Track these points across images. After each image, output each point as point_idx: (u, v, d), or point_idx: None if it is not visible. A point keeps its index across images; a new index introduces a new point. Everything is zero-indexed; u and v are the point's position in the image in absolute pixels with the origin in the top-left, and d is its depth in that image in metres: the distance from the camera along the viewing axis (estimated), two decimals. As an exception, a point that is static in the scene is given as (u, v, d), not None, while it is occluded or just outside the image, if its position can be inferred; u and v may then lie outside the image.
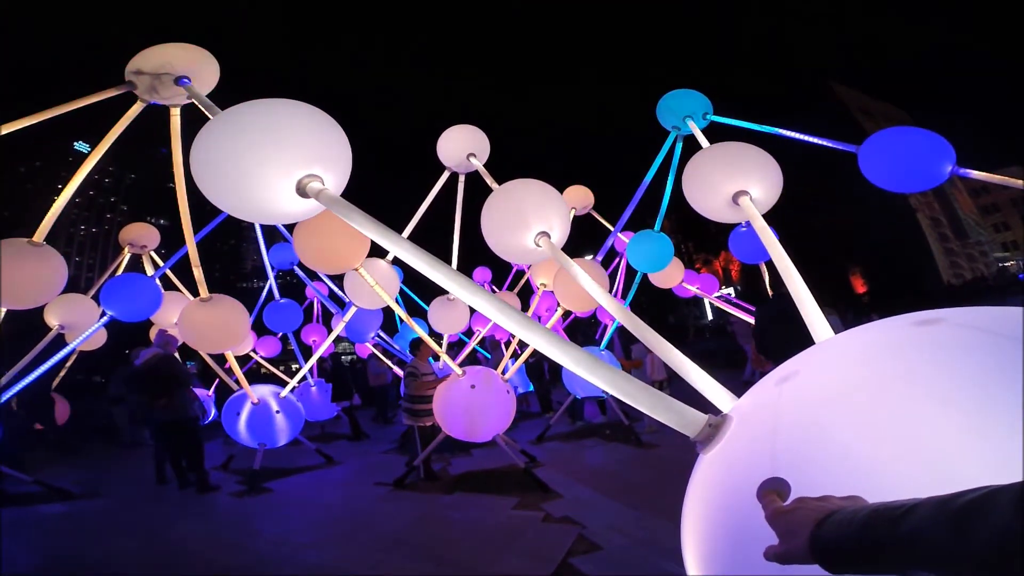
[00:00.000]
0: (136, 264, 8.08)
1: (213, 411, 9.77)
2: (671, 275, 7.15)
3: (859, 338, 1.10)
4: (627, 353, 9.12)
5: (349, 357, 15.45)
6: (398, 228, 5.55)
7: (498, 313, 1.34)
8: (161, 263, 7.68)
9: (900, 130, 3.70)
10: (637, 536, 4.06)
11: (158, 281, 6.49)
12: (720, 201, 2.77)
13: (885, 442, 0.80)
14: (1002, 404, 0.76)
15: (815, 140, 4.32)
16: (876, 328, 1.10)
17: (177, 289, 7.72)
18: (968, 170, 3.48)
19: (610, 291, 9.14)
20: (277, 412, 6.53)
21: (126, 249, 7.97)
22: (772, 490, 0.79)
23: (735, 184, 2.71)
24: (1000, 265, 64.58)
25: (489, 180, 4.93)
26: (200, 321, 4.29)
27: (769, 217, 3.69)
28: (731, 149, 2.87)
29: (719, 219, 2.94)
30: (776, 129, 4.51)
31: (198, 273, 4.35)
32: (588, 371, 1.23)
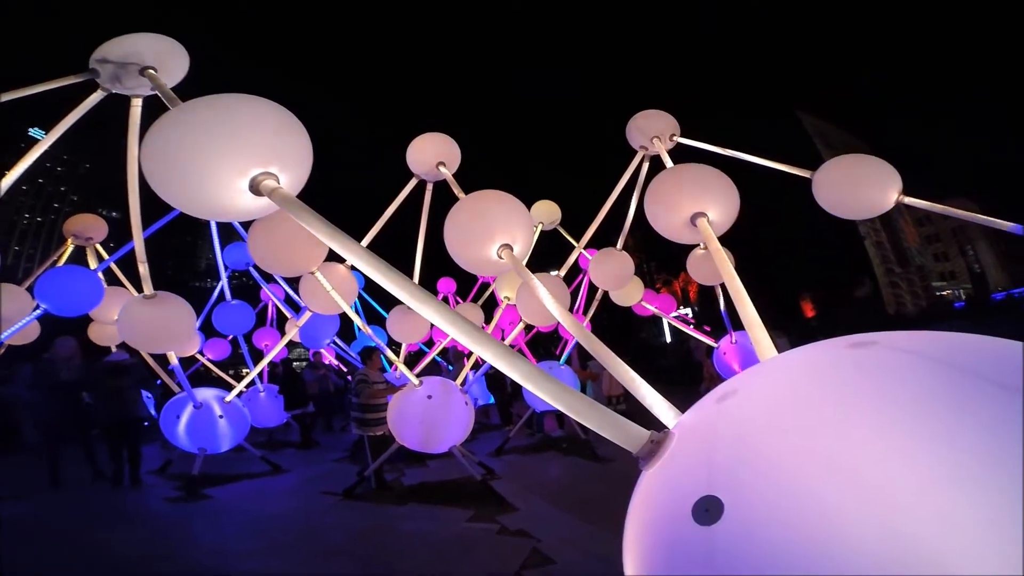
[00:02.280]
0: (80, 257, 7.67)
1: (154, 413, 9.36)
2: (631, 294, 7.26)
3: (795, 359, 1.13)
4: (583, 366, 9.23)
5: (304, 363, 15.06)
6: (379, 235, 5.48)
7: (448, 324, 1.33)
8: (107, 256, 7.29)
9: (850, 158, 3.84)
10: (591, 550, 4.08)
11: (101, 275, 6.18)
12: (679, 222, 2.83)
13: (816, 464, 0.82)
14: (931, 427, 0.79)
15: (774, 165, 4.47)
16: (812, 350, 1.13)
17: (121, 284, 7.34)
18: (913, 199, 3.63)
19: (573, 307, 9.25)
20: (220, 417, 6.27)
21: (69, 240, 7.54)
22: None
23: (694, 205, 2.78)
24: (938, 294, 68.69)
25: (456, 190, 4.91)
26: (142, 319, 4.08)
27: (727, 240, 3.81)
28: (691, 171, 2.94)
29: (677, 239, 3.01)
30: (737, 153, 4.66)
31: (143, 269, 4.13)
32: (535, 385, 1.22)
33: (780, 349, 1.62)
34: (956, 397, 0.82)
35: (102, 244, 7.73)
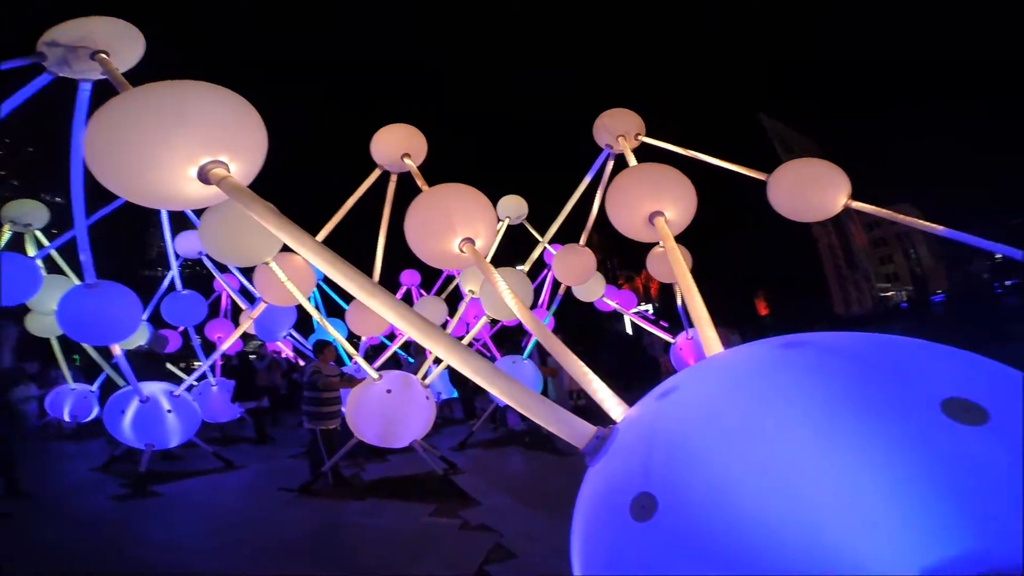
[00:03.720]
0: (19, 244, 7.28)
1: (96, 408, 9.00)
2: (592, 289, 7.36)
3: (732, 358, 1.18)
4: (544, 361, 9.28)
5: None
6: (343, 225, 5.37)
7: (399, 319, 1.32)
8: (47, 243, 6.91)
9: (801, 162, 3.95)
10: (552, 544, 4.11)
11: (40, 263, 5.84)
12: (637, 220, 2.88)
13: (744, 463, 0.85)
14: (847, 427, 0.83)
15: (732, 167, 4.59)
16: (749, 349, 1.18)
17: (62, 273, 6.97)
18: (860, 204, 3.77)
19: (538, 301, 9.30)
20: (169, 411, 6.01)
21: (7, 227, 7.16)
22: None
23: (652, 205, 2.83)
24: (882, 295, 72.26)
25: (420, 182, 4.86)
26: (83, 309, 3.88)
27: (685, 239, 3.89)
28: (650, 171, 3.00)
29: (636, 237, 3.06)
30: (698, 154, 4.78)
31: (85, 257, 3.94)
32: (486, 381, 1.23)
33: (733, 346, 1.68)
34: (871, 396, 0.87)
35: (43, 231, 7.35)
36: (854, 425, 0.83)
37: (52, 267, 6.92)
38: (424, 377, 5.81)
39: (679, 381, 1.16)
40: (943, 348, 1.00)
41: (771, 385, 0.97)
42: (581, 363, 1.54)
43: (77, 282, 5.80)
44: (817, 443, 0.83)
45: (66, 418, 9.45)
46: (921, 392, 0.85)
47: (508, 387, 1.22)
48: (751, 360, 1.12)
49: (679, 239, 3.16)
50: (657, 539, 0.85)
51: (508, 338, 12.04)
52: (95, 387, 9.34)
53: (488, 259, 5.83)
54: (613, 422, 1.29)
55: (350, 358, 6.58)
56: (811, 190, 3.81)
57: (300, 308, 5.19)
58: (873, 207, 3.89)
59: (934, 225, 3.78)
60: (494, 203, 7.41)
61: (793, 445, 0.84)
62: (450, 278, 10.70)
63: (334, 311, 10.61)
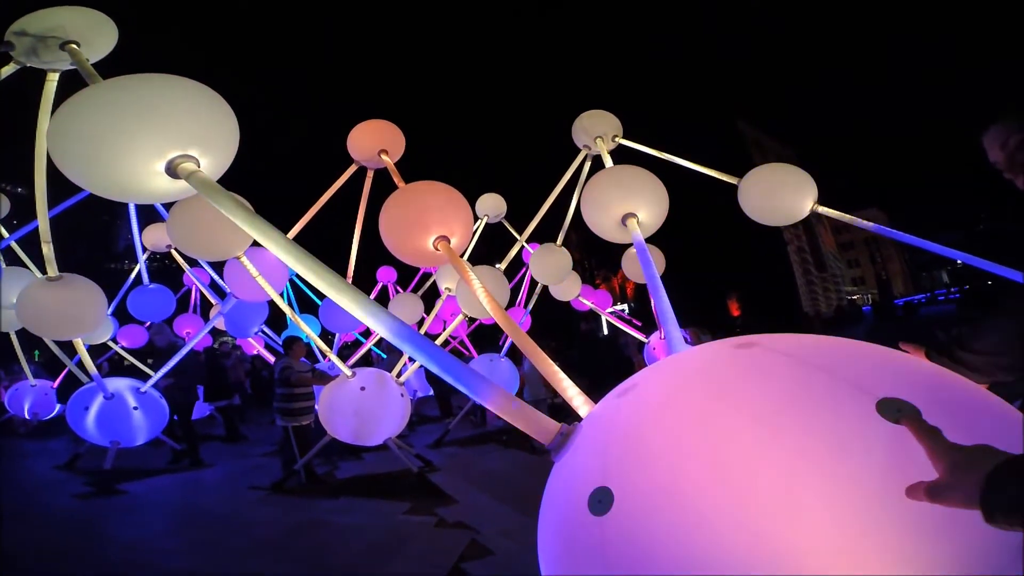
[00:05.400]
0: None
1: (56, 405, 8.76)
2: (569, 289, 7.42)
3: (690, 357, 1.22)
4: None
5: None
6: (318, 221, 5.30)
7: (368, 316, 1.33)
8: (7, 235, 6.63)
9: (770, 167, 4.02)
10: (528, 541, 4.09)
11: (-1, 255, 5.63)
12: (610, 221, 2.93)
13: (696, 460, 0.88)
14: (791, 426, 0.86)
15: (706, 171, 4.68)
16: (705, 349, 1.23)
17: (24, 265, 6.71)
18: (826, 208, 3.85)
19: (516, 300, 9.32)
20: (135, 408, 5.85)
21: (-35, 217, 6.82)
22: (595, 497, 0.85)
23: (625, 206, 2.88)
24: (849, 298, 74.45)
25: (397, 179, 4.82)
26: (44, 303, 3.76)
27: (660, 241, 3.93)
28: (623, 172, 3.06)
29: (610, 238, 3.11)
30: (673, 157, 4.86)
31: (47, 250, 3.83)
32: (454, 377, 1.25)
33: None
34: (814, 396, 0.91)
35: (3, 222, 7.05)
36: (797, 422, 0.87)
37: (12, 259, 6.66)
38: (399, 374, 5.78)
39: (639, 379, 1.20)
40: (882, 349, 1.06)
41: (724, 384, 1.02)
42: (551, 361, 1.57)
43: (39, 275, 5.61)
44: (763, 441, 0.86)
45: (26, 415, 9.13)
46: (858, 392, 0.89)
47: (475, 383, 1.24)
48: (704, 360, 1.17)
49: (652, 240, 3.23)
50: (612, 533, 0.87)
51: (489, 336, 12.07)
52: (55, 384, 9.07)
53: (465, 257, 5.82)
54: (580, 419, 1.32)
55: (323, 355, 6.48)
56: (779, 195, 3.91)
57: (272, 303, 5.11)
58: (838, 212, 4.01)
59: (897, 231, 3.90)
60: (473, 201, 7.40)
61: (739, 444, 0.87)
62: (427, 275, 10.64)
63: (307, 307, 10.47)
